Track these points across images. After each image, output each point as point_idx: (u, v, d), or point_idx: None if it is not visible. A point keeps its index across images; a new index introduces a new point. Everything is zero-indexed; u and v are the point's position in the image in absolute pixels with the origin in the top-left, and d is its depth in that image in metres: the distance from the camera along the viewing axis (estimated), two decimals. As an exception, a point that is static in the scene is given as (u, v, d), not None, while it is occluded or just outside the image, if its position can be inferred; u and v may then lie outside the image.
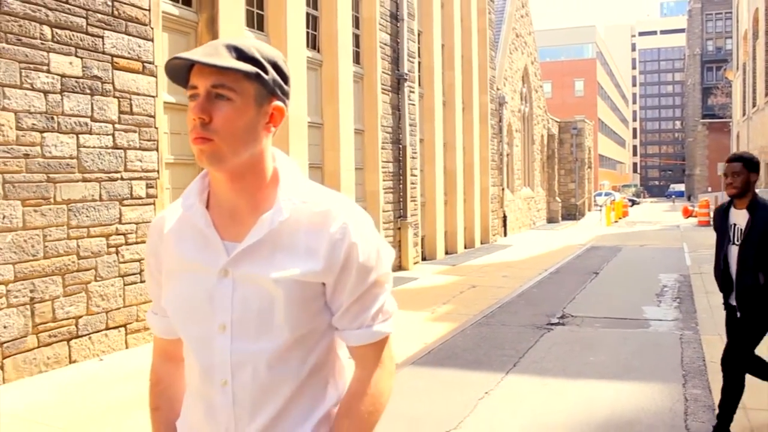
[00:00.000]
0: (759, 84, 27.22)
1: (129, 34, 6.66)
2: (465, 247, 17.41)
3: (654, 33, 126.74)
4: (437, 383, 5.60)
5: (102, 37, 6.39)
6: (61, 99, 5.99)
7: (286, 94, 1.32)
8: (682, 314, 8.30)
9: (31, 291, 5.72)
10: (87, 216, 6.23)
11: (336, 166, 10.90)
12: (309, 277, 1.26)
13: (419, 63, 14.88)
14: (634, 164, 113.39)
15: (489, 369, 5.99)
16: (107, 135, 6.44)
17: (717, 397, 4.11)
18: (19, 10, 5.60)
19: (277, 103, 1.30)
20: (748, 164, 3.96)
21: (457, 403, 5.05)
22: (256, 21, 9.30)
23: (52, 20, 5.89)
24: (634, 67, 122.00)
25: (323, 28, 10.86)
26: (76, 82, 6.14)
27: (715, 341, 6.46)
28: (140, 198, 6.80)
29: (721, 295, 4.25)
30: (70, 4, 6.06)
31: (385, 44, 12.76)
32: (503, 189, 21.54)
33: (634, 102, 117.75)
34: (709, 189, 49.65)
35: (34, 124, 5.74)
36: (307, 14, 10.26)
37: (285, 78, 1.32)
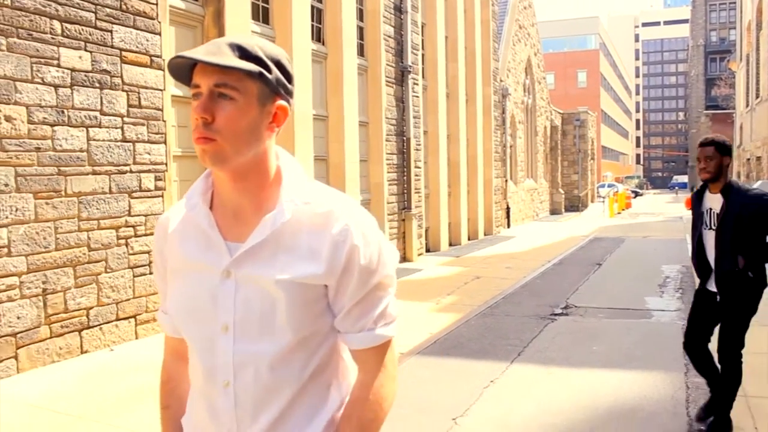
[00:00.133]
0: (762, 75, 27.18)
1: (137, 28, 6.73)
2: (468, 239, 17.48)
3: (657, 24, 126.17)
4: (443, 372, 5.69)
5: (110, 32, 6.46)
6: (71, 93, 6.07)
7: (289, 93, 1.31)
8: (684, 304, 8.36)
9: (44, 282, 5.82)
10: (97, 208, 6.32)
11: (341, 158, 10.97)
12: (311, 279, 1.25)
13: (423, 55, 14.91)
14: (637, 156, 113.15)
15: (494, 358, 6.08)
16: (116, 128, 6.52)
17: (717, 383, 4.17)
18: (29, 5, 5.67)
19: (281, 102, 1.28)
20: (720, 148, 3.89)
21: (464, 391, 5.14)
22: (261, 14, 9.35)
23: (61, 15, 5.96)
24: (637, 58, 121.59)
25: (328, 20, 10.90)
26: (86, 76, 6.21)
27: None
28: (149, 190, 6.88)
29: None
30: (79, -1, 6.13)
31: (389, 36, 12.79)
32: (506, 181, 21.58)
33: (638, 93, 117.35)
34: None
35: (45, 117, 5.81)
36: (312, 7, 10.31)
37: (289, 77, 1.30)
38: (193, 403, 1.40)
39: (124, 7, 6.58)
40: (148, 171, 6.88)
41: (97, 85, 6.32)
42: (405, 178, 13.42)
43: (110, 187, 6.45)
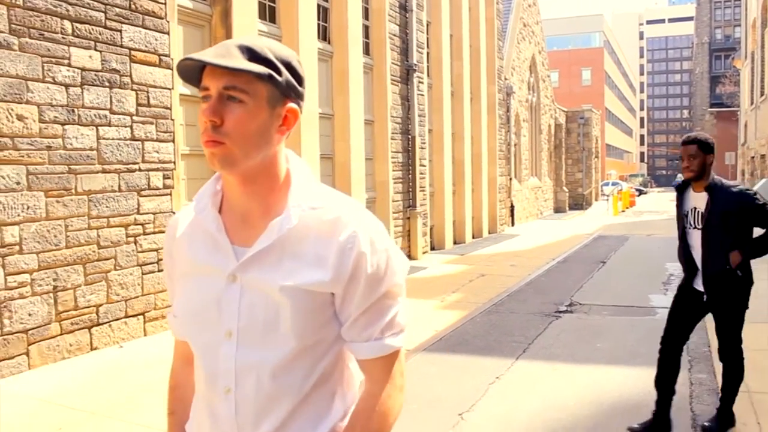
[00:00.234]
0: (767, 73, 27.13)
1: (146, 28, 6.80)
2: (473, 237, 17.53)
3: (662, 21, 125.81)
4: (449, 368, 5.75)
5: (120, 31, 6.52)
6: (82, 92, 6.14)
7: (300, 96, 1.27)
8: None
9: (54, 280, 5.89)
10: (107, 206, 6.39)
11: (346, 156, 11.02)
12: (317, 286, 1.22)
13: (428, 53, 14.95)
14: (642, 154, 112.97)
15: (499, 355, 6.13)
16: (125, 127, 6.59)
17: (721, 381, 4.22)
18: (41, 5, 5.74)
19: (291, 104, 1.25)
20: (703, 146, 3.86)
21: (470, 387, 5.20)
22: (268, 13, 9.41)
23: (72, 15, 6.03)
24: (641, 56, 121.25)
25: (334, 19, 10.95)
26: (96, 75, 6.28)
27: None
28: (157, 189, 6.95)
29: None
30: (89, -1, 6.20)
31: (395, 35, 12.85)
32: (511, 179, 21.62)
33: (642, 91, 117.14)
34: (717, 178, 49.35)
35: (56, 116, 5.89)
36: (318, 6, 10.36)
37: (299, 79, 1.27)
38: (196, 409, 1.39)
39: (133, 6, 6.65)
40: (157, 169, 6.95)
41: (107, 84, 6.39)
42: (410, 176, 13.48)
43: (119, 186, 6.52)
